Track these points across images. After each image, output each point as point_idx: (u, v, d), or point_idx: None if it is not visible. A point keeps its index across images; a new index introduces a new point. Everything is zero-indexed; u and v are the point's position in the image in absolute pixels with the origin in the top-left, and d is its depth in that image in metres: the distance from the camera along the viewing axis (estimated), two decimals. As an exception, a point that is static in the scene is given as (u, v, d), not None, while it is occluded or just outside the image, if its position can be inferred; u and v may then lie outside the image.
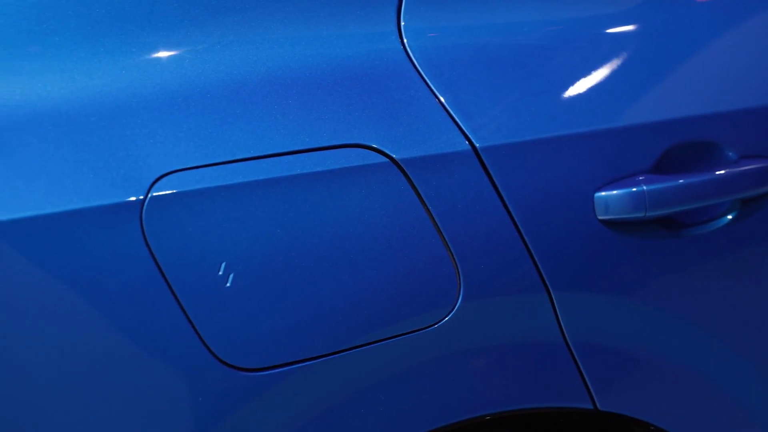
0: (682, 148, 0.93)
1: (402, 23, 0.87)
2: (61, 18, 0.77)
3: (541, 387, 0.91)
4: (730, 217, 0.96)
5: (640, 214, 0.89)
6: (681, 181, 0.91)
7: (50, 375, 0.71)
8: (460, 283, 0.83)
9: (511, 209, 0.84)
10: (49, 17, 0.77)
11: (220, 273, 0.75)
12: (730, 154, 0.96)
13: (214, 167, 0.75)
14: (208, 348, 0.75)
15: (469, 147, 0.83)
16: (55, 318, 0.71)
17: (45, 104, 0.73)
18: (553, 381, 0.91)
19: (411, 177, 0.81)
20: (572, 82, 0.90)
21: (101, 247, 0.71)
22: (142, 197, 0.73)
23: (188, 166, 0.75)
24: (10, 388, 0.71)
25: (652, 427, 0.99)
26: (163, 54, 0.78)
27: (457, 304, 0.83)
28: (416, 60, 0.85)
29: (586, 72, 0.91)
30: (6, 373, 0.70)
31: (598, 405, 0.93)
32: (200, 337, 0.75)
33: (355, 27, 0.85)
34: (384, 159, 0.80)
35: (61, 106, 0.73)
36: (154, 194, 0.73)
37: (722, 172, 0.94)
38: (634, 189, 0.88)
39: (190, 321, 0.74)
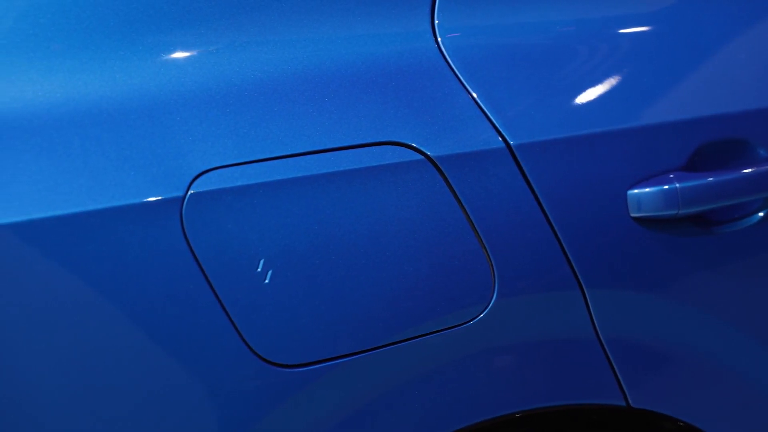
0: (714, 146, 0.93)
1: (436, 22, 0.87)
2: (101, 17, 0.78)
3: (574, 384, 0.91)
4: (761, 214, 0.96)
5: (673, 212, 0.89)
6: (713, 178, 0.91)
7: (88, 369, 0.72)
8: (494, 280, 0.83)
9: (545, 206, 0.85)
10: (89, 16, 0.77)
11: (259, 269, 0.76)
12: (762, 151, 0.96)
13: (253, 164, 0.76)
14: (246, 343, 0.76)
15: (504, 144, 0.84)
16: (95, 314, 0.71)
17: (86, 102, 0.73)
18: (585, 378, 0.91)
19: (446, 174, 0.81)
20: (604, 80, 0.90)
21: (142, 243, 0.72)
22: (181, 194, 0.73)
23: (227, 163, 0.75)
24: (49, 381, 0.71)
25: (681, 423, 0.99)
26: (201, 52, 0.79)
27: (492, 302, 0.84)
28: (450, 58, 0.85)
29: (617, 70, 0.92)
30: (44, 368, 0.71)
31: (630, 402, 0.93)
32: (239, 333, 0.75)
33: (390, 26, 0.85)
34: (419, 156, 0.81)
35: (102, 104, 0.74)
36: (194, 191, 0.74)
37: (754, 169, 0.94)
38: (667, 187, 0.88)
39: (228, 317, 0.75)
